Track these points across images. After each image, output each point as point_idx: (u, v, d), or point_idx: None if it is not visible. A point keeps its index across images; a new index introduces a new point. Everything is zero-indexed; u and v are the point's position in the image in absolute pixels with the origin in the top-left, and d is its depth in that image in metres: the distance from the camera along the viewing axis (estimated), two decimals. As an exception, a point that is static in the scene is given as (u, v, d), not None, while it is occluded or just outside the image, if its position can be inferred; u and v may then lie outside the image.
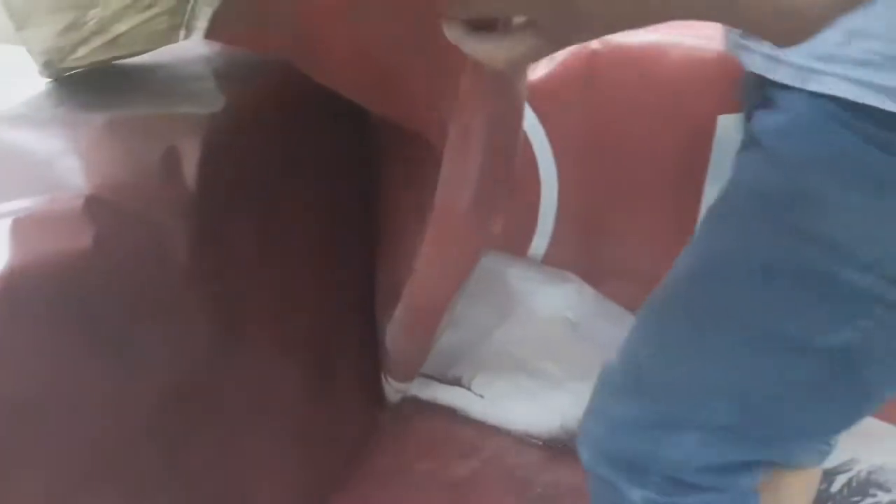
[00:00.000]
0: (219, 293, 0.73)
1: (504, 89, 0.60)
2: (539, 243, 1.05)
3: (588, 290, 1.07)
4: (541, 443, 1.18)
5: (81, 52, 0.65)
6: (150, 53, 0.71)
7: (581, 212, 1.01)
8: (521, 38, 0.38)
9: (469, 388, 1.20)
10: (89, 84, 0.71)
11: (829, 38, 0.49)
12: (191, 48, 0.76)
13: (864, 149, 0.50)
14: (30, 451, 0.54)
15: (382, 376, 1.08)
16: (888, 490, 1.03)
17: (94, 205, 0.57)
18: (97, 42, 0.64)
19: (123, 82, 0.72)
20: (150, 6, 0.63)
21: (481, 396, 1.20)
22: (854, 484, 1.04)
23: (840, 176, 0.52)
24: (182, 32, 0.66)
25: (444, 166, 0.61)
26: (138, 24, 0.64)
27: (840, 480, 1.05)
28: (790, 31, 0.34)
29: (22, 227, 0.53)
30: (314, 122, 0.85)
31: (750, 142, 0.60)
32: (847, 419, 0.61)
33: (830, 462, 1.01)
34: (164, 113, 0.68)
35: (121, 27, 0.63)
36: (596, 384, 0.65)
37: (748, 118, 0.65)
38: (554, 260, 1.06)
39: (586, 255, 1.05)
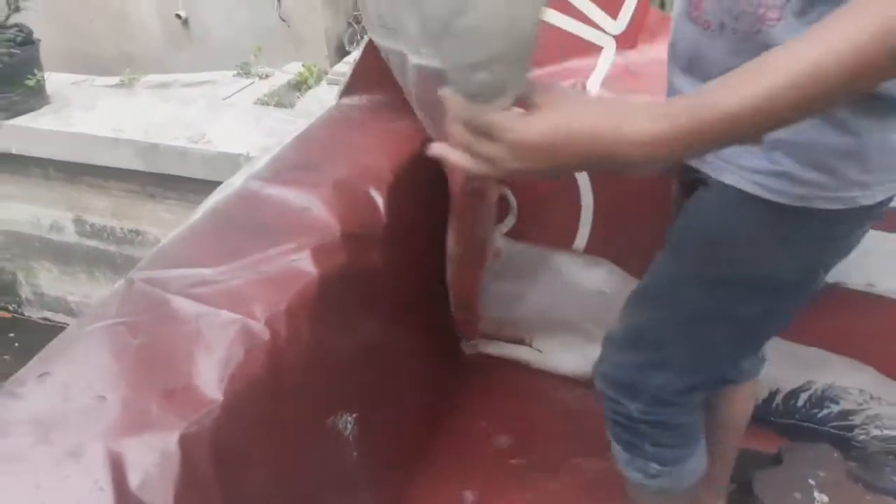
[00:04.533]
0: (396, 281, 1.14)
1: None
2: (581, 239, 1.45)
3: (617, 270, 1.47)
4: (581, 382, 1.58)
5: None
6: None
7: (611, 211, 1.40)
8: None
9: (531, 346, 1.61)
10: (309, 152, 1.11)
11: None
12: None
13: None
14: (318, 369, 0.94)
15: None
16: (837, 402, 1.45)
17: (344, 236, 0.97)
18: None
19: (323, 155, 1.12)
20: None
21: (540, 351, 1.60)
22: (813, 399, 1.46)
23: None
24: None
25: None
26: None
27: (803, 397, 1.46)
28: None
29: (315, 253, 0.93)
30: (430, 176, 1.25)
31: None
32: (757, 346, 1.03)
33: (794, 383, 1.43)
34: (360, 171, 1.08)
35: None
36: (604, 341, 1.02)
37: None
38: (592, 249, 1.46)
39: (615, 244, 1.44)
